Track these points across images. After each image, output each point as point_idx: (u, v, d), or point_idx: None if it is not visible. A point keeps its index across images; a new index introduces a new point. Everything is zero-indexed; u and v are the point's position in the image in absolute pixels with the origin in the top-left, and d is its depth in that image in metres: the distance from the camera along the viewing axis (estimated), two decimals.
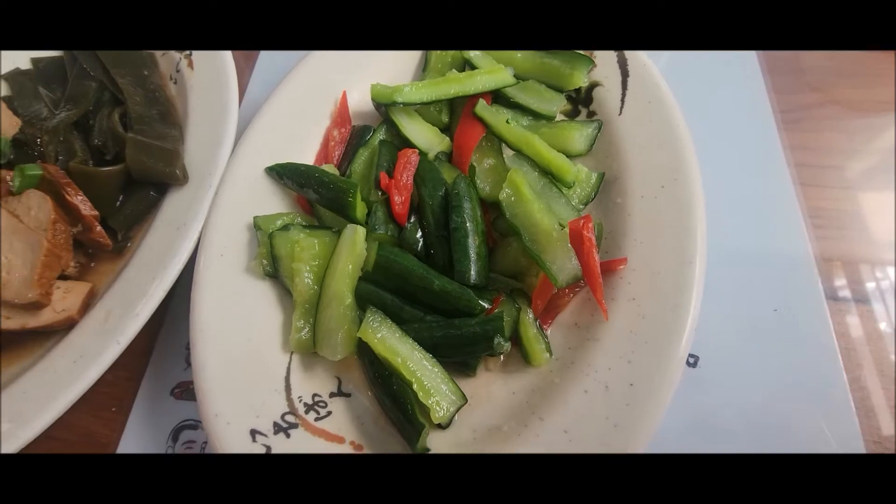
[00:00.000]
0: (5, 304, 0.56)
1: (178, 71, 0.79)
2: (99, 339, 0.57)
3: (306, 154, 0.70)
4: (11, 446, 0.52)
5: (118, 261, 0.67)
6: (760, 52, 0.84)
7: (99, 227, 0.60)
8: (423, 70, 0.76)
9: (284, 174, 0.64)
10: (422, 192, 0.61)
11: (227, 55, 0.76)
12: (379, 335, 0.52)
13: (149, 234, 0.64)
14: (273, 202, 0.66)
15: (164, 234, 0.63)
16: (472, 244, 0.56)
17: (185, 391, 0.65)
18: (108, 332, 0.57)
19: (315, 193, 0.61)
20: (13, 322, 0.57)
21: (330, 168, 0.65)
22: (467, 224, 0.57)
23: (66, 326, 0.59)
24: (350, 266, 0.56)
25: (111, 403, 0.65)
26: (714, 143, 0.73)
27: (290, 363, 0.57)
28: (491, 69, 0.69)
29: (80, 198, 0.61)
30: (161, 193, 0.68)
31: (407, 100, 0.67)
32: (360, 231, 0.56)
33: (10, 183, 0.66)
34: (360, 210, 0.59)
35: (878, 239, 0.69)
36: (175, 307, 0.70)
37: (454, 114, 0.72)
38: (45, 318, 0.57)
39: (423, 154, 0.64)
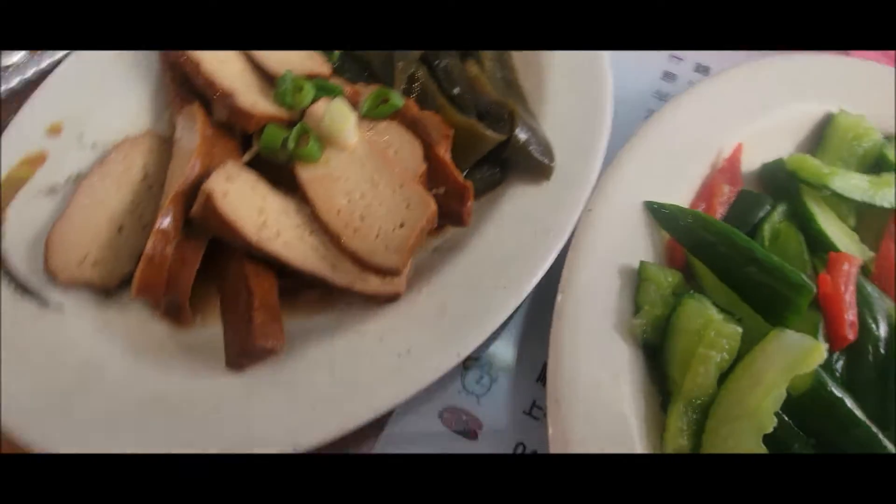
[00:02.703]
0: (347, 252, 0.44)
1: None
2: (433, 339, 0.44)
3: (676, 200, 0.57)
4: (308, 439, 0.40)
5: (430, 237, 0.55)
6: None
7: (471, 201, 0.48)
8: (819, 147, 0.62)
9: (681, 220, 0.51)
10: (863, 313, 0.47)
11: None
12: None
13: (493, 223, 0.52)
14: (641, 243, 0.53)
15: (516, 232, 0.51)
16: None
17: (458, 420, 0.52)
18: (446, 337, 0.45)
19: (726, 264, 0.48)
20: (341, 276, 0.45)
21: None
22: None
23: (383, 301, 0.47)
24: (784, 385, 0.42)
25: None
26: None
27: None
28: None
29: (449, 157, 0.49)
30: (503, 176, 0.56)
31: (843, 190, 0.54)
32: (819, 349, 0.42)
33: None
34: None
35: None
36: None
37: (861, 220, 0.59)
38: (373, 285, 0.45)
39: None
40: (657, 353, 0.47)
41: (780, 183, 0.58)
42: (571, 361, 0.45)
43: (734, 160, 0.59)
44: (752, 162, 0.62)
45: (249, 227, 0.43)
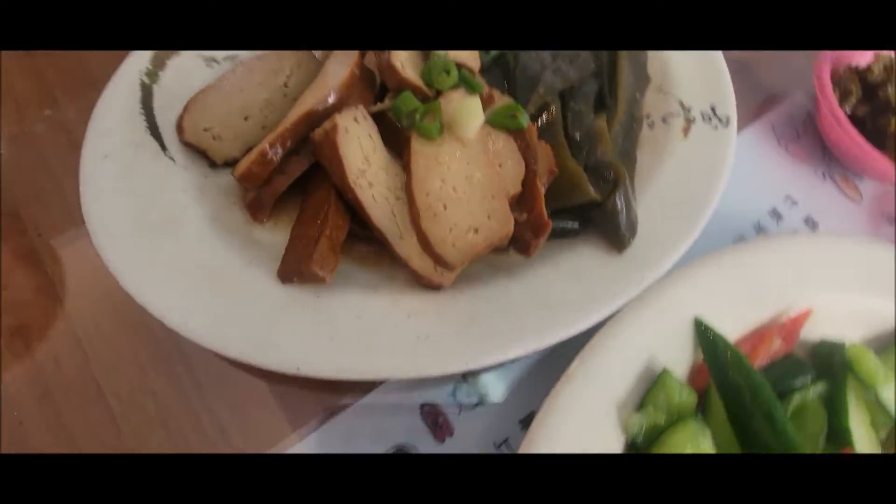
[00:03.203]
0: (418, 230, 0.47)
1: (664, 121, 0.69)
2: (454, 339, 0.47)
3: (724, 330, 0.57)
4: (309, 366, 0.44)
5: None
6: None
7: (544, 238, 0.51)
8: (884, 352, 0.61)
9: (720, 351, 0.52)
10: None
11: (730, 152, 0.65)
12: None
13: (550, 266, 0.54)
14: (673, 354, 0.53)
15: (567, 284, 0.52)
16: None
17: (434, 419, 0.55)
18: (465, 343, 0.47)
19: (743, 411, 0.49)
20: (402, 247, 0.48)
21: None
22: None
23: (426, 285, 0.50)
24: None
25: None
26: None
27: None
28: None
29: (543, 191, 0.52)
30: (580, 231, 0.58)
31: (887, 402, 0.53)
32: None
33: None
34: None
35: None
36: None
37: (890, 438, 0.57)
38: (425, 268, 0.49)
39: None
40: None
41: (831, 364, 0.57)
42: (560, 420, 0.47)
43: (797, 322, 0.59)
44: (812, 332, 0.61)
45: (352, 168, 0.47)
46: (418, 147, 0.50)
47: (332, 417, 0.54)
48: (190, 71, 0.54)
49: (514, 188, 0.50)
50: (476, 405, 0.57)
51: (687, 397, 0.50)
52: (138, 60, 0.52)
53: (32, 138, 0.58)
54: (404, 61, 0.55)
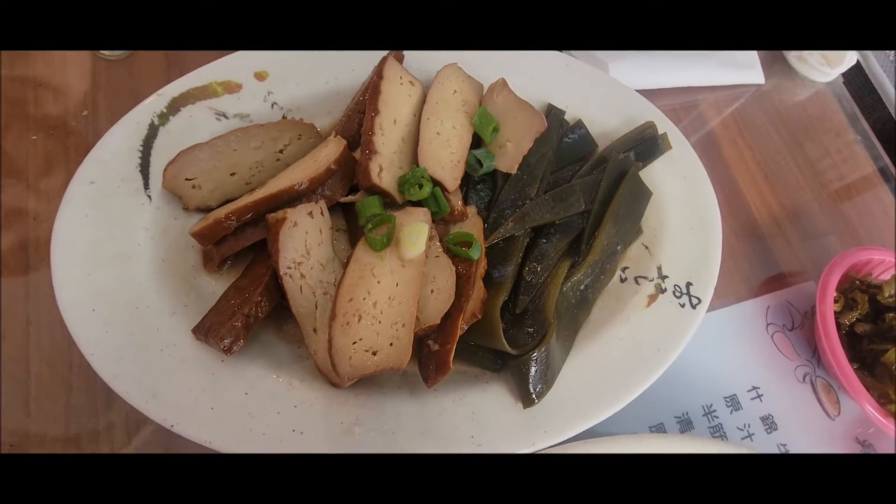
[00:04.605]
0: (328, 332, 0.50)
1: (636, 281, 0.68)
2: (326, 440, 0.50)
3: None
4: (184, 428, 0.48)
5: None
6: None
7: (444, 377, 0.52)
8: None
9: None
10: None
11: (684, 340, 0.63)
12: None
13: (452, 399, 0.55)
14: None
15: (462, 426, 0.54)
16: None
17: None
18: (334, 448, 0.50)
19: None
20: (311, 340, 0.51)
21: None
22: None
23: (325, 379, 0.53)
24: None
25: None
26: None
27: None
28: None
29: (463, 330, 0.53)
30: (500, 369, 0.59)
31: None
32: None
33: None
34: None
35: None
36: None
37: None
38: (328, 366, 0.51)
39: None
40: None
41: None
42: None
43: None
44: None
45: (286, 259, 0.51)
46: (360, 254, 0.53)
47: None
48: (199, 121, 0.60)
49: (434, 320, 0.52)
50: None
51: None
52: (156, 102, 0.59)
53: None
54: (385, 165, 0.59)
